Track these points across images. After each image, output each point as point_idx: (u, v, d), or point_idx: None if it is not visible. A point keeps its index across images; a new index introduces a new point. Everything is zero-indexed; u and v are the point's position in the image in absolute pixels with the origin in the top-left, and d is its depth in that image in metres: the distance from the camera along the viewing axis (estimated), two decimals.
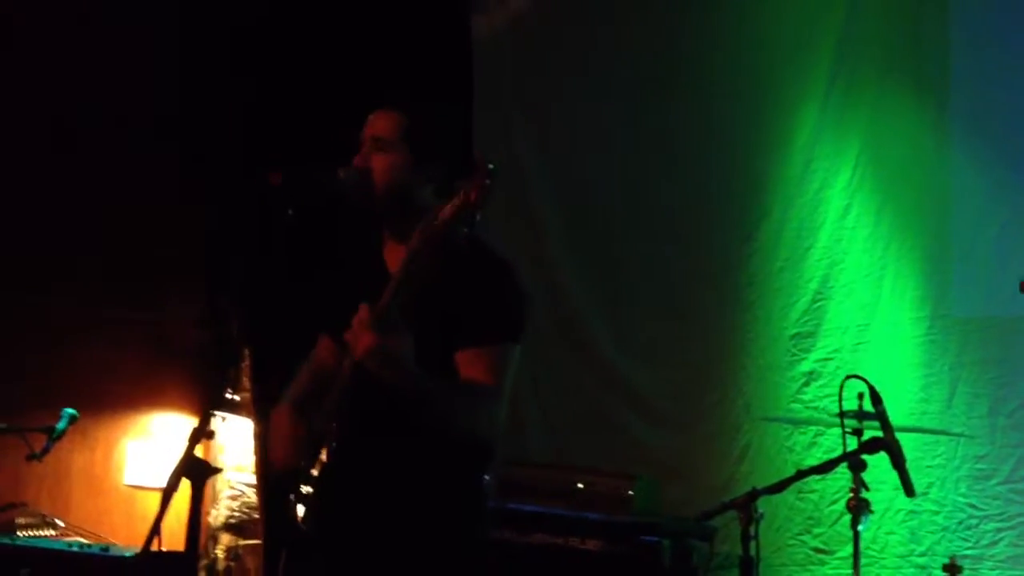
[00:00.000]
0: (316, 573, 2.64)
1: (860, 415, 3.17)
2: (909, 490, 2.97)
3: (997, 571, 4.00)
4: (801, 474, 3.15)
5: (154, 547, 2.46)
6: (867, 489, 3.14)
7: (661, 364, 4.73)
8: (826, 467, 3.09)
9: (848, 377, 3.19)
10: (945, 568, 3.00)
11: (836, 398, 3.42)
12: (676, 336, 4.74)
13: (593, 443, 4.72)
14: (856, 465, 3.12)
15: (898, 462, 2.98)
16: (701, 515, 3.50)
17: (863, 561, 4.10)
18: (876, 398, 3.08)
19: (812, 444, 4.34)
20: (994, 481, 4.04)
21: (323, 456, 2.56)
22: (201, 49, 5.27)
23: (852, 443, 3.20)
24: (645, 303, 4.82)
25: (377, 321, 2.25)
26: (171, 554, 2.52)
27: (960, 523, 4.07)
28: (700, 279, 4.74)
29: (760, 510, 3.22)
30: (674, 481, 4.38)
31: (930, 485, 4.11)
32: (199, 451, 2.55)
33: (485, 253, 2.53)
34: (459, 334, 2.39)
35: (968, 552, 4.04)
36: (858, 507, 3.09)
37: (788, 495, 4.20)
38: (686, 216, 4.80)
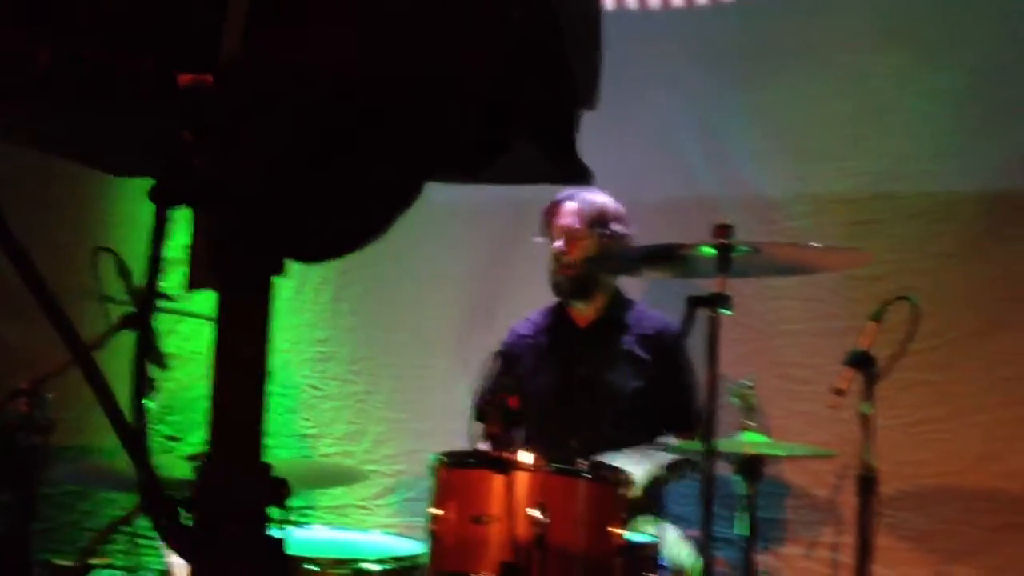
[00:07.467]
0: None
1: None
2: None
3: (335, 447, 4.16)
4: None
5: None
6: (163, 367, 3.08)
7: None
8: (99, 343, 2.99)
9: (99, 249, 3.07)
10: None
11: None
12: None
13: None
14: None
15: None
16: None
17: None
18: (124, 272, 3.00)
19: (170, 332, 4.24)
20: (333, 363, 4.18)
21: None
22: None
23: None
24: None
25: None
26: None
27: (303, 403, 4.19)
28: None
29: (48, 395, 3.11)
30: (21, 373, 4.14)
31: (277, 368, 4.19)
32: None
33: None
34: None
35: (310, 431, 4.18)
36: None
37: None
38: None
